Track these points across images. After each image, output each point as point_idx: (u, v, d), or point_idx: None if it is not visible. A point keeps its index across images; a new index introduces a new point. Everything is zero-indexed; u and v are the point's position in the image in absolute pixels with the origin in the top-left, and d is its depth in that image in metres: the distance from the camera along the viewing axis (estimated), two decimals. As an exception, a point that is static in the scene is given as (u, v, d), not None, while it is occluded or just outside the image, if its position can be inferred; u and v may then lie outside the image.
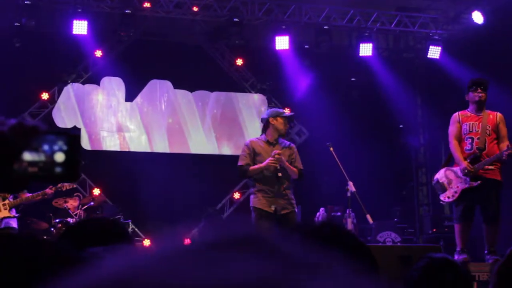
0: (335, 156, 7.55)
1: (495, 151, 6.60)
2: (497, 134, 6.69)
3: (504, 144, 6.61)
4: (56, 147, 1.06)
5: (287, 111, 7.05)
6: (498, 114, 6.79)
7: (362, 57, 12.12)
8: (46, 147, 1.05)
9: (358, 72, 12.65)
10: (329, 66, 12.58)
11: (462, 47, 11.84)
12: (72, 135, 1.08)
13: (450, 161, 6.90)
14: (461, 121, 6.75)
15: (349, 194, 7.54)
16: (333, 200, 10.82)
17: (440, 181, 6.77)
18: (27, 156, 1.05)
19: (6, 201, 8.41)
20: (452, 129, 6.77)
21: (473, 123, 6.72)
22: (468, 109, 6.83)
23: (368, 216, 7.45)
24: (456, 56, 11.72)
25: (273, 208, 6.60)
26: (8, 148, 1.00)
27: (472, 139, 6.70)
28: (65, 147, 1.06)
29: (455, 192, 6.65)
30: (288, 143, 7.06)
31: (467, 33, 11.70)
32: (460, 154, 6.68)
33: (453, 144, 6.72)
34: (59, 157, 1.06)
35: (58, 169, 1.06)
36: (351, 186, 7.44)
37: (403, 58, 13.41)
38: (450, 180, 6.71)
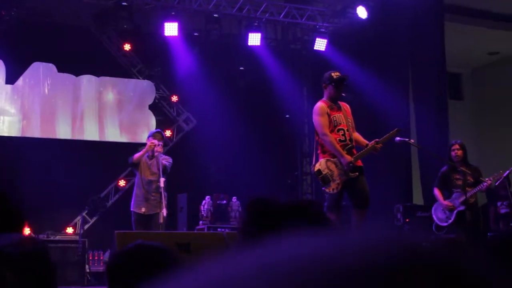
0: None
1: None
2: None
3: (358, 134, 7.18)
4: None
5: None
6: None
7: (251, 46, 12.23)
8: None
9: (246, 62, 12.76)
10: (218, 54, 12.62)
11: (347, 40, 12.21)
12: None
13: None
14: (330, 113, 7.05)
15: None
16: (219, 188, 10.89)
17: (323, 173, 6.94)
18: None
19: None
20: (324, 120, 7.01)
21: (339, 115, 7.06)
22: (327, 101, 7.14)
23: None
24: (341, 49, 12.07)
25: None
26: None
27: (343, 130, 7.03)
28: None
29: (338, 184, 6.87)
30: None
31: (352, 27, 12.08)
32: (339, 146, 6.93)
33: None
34: None
35: None
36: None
37: (291, 49, 13.66)
38: (332, 171, 6.91)
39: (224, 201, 10.33)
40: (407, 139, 8.01)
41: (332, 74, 7.11)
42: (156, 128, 11.92)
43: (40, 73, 11.72)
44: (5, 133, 11.31)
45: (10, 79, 11.50)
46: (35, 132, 11.57)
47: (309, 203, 1.67)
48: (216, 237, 6.76)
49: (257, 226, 1.57)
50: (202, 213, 10.18)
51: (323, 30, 12.39)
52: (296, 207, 1.59)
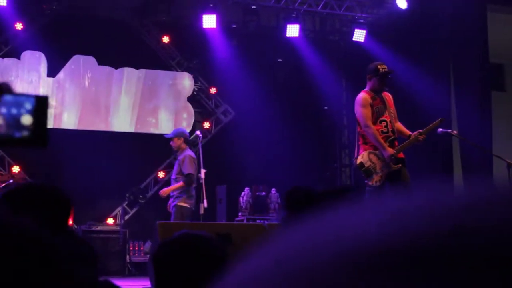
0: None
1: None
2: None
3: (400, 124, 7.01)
4: (22, 110, 0.99)
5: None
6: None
7: (289, 38, 12.18)
8: (5, 109, 0.98)
9: (284, 53, 12.72)
10: (256, 46, 12.60)
11: (386, 31, 12.08)
12: (41, 97, 1.01)
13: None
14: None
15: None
16: (257, 180, 10.89)
17: (366, 165, 6.86)
18: None
19: None
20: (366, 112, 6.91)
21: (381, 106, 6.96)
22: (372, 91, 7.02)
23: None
24: (380, 40, 11.94)
25: None
26: None
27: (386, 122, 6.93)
28: (32, 110, 0.99)
29: (381, 176, 6.80)
30: None
31: (391, 18, 11.94)
32: (381, 138, 6.84)
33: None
34: (26, 120, 0.99)
35: (23, 133, 0.99)
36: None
37: (329, 41, 13.56)
38: (375, 164, 6.83)
39: (263, 193, 10.33)
40: (449, 130, 7.88)
41: (379, 66, 6.98)
42: (195, 119, 12.01)
43: (81, 66, 11.86)
44: (48, 125, 11.46)
45: (52, 72, 11.66)
46: (76, 124, 11.73)
47: (349, 188, 1.65)
48: (257, 228, 6.75)
49: (297, 214, 1.56)
50: (241, 204, 10.19)
51: (361, 21, 12.27)
52: (336, 192, 1.56)
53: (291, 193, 1.53)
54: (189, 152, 8.50)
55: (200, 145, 8.88)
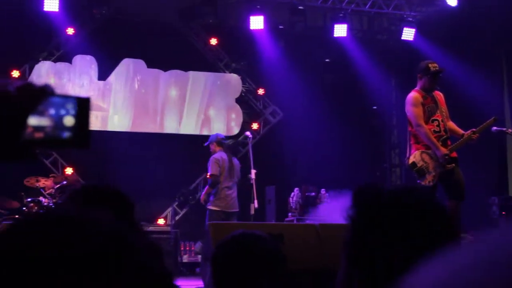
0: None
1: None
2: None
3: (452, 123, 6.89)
4: (65, 111, 1.00)
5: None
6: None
7: (337, 38, 12.11)
8: (53, 111, 0.99)
9: (332, 53, 12.66)
10: (303, 47, 12.57)
11: (436, 29, 11.89)
12: (83, 98, 1.02)
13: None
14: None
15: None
16: (306, 181, 10.86)
17: (419, 165, 6.77)
18: (33, 120, 0.98)
19: None
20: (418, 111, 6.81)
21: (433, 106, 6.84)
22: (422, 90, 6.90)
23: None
24: (430, 38, 11.77)
25: None
26: (15, 111, 0.93)
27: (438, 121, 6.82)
28: (74, 112, 1.00)
29: (434, 176, 6.70)
30: None
31: (441, 15, 11.76)
32: (434, 138, 6.74)
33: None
34: (69, 121, 1.00)
35: (67, 134, 1.00)
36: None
37: (377, 40, 13.44)
38: (427, 163, 6.74)
39: (313, 193, 10.29)
40: (504, 129, 7.70)
41: (430, 65, 6.87)
42: (243, 120, 12.04)
43: (130, 69, 12.02)
44: (98, 127, 11.65)
45: (102, 76, 11.85)
46: (127, 126, 11.90)
47: (418, 188, 1.61)
48: (308, 228, 6.71)
49: (367, 216, 1.52)
50: (291, 205, 10.17)
51: (410, 19, 12.12)
52: (406, 192, 1.52)
53: (359, 191, 1.50)
54: (215, 155, 8.58)
55: (250, 145, 8.91)
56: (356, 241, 1.40)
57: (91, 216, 0.79)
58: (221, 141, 8.78)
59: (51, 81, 11.43)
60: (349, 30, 12.21)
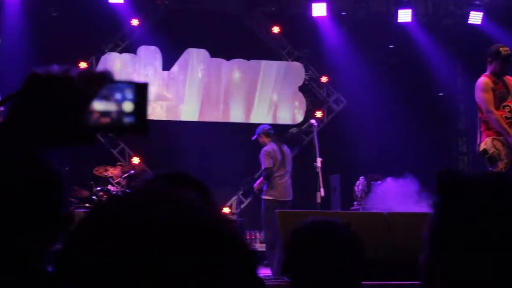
0: None
1: None
2: None
3: None
4: (124, 96, 1.01)
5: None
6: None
7: (401, 23, 11.90)
8: (116, 96, 1.00)
9: (396, 39, 12.44)
10: (366, 33, 12.38)
11: (505, 12, 11.54)
12: (141, 84, 1.03)
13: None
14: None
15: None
16: (371, 169, 10.73)
17: (490, 152, 6.59)
18: (99, 105, 1.00)
19: None
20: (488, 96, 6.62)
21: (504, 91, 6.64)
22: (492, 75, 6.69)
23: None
24: (498, 21, 11.43)
25: None
26: (78, 97, 0.96)
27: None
28: (133, 97, 1.01)
29: (506, 163, 6.52)
30: None
31: (510, -2, 11.41)
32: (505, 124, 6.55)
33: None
34: (128, 106, 1.01)
35: (127, 120, 1.01)
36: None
37: (443, 25, 13.10)
38: (499, 150, 6.56)
39: (379, 182, 10.15)
40: None
41: (500, 49, 6.67)
42: (307, 109, 11.99)
43: (194, 58, 12.12)
44: (164, 117, 11.81)
45: (166, 66, 12.00)
46: (192, 116, 12.02)
47: (501, 174, 1.55)
48: (376, 217, 6.64)
49: (454, 201, 1.48)
50: (356, 193, 10.07)
51: (477, 2, 11.80)
52: (490, 178, 1.46)
53: (441, 176, 1.45)
54: (266, 147, 8.80)
55: (315, 133, 8.87)
56: (443, 228, 1.36)
57: (185, 195, 0.81)
58: (269, 132, 8.97)
59: (117, 70, 11.64)
60: (414, 15, 11.98)
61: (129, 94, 1.01)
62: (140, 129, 1.02)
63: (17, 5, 10.97)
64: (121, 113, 1.00)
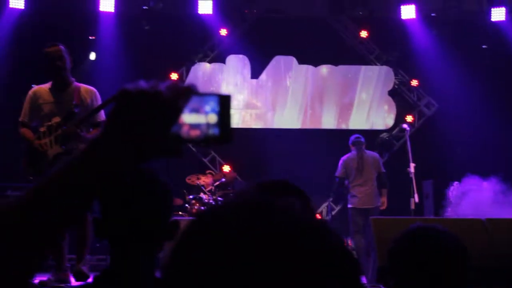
0: None
1: None
2: None
3: None
4: (209, 108, 1.04)
5: None
6: None
7: (494, 22, 11.51)
8: (203, 108, 1.04)
9: (490, 39, 12.03)
10: (458, 34, 12.04)
11: None
12: (225, 96, 1.06)
13: None
14: None
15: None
16: (465, 174, 10.40)
17: None
18: (188, 118, 1.03)
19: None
20: None
21: None
22: None
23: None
24: None
25: None
26: (168, 110, 0.99)
27: None
28: (217, 109, 1.04)
29: None
30: None
31: None
32: None
33: None
34: (213, 118, 1.04)
35: (213, 131, 1.04)
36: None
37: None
38: None
39: (473, 186, 9.83)
40: None
41: None
42: (397, 113, 11.79)
43: (281, 66, 12.17)
44: (253, 125, 11.92)
45: (255, 74, 12.10)
46: (280, 123, 12.06)
47: None
48: (474, 223, 6.43)
49: None
50: (450, 199, 9.80)
51: None
52: None
53: None
54: (344, 156, 9.01)
55: (407, 138, 8.70)
56: None
57: (288, 203, 0.83)
58: (353, 141, 9.01)
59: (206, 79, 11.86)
60: (508, 13, 11.56)
61: (214, 106, 1.05)
62: (224, 140, 1.06)
63: (111, 20, 11.38)
64: (208, 125, 1.04)
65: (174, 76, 11.74)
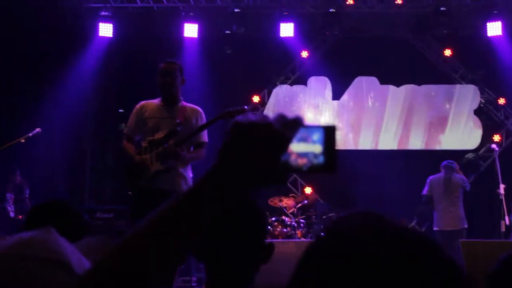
0: None
1: None
2: None
3: None
4: (316, 138, 1.08)
5: None
6: None
7: None
8: (310, 138, 1.08)
9: None
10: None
11: None
12: (330, 127, 1.10)
13: None
14: None
15: None
16: None
17: None
18: (297, 147, 1.08)
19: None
20: None
21: None
22: None
23: None
24: None
25: None
26: (278, 140, 1.04)
27: None
28: (323, 139, 1.08)
29: None
30: None
31: None
32: None
33: None
34: (318, 148, 1.08)
35: (318, 160, 1.08)
36: None
37: None
38: None
39: None
40: None
41: None
42: (483, 132, 11.49)
43: (363, 86, 12.10)
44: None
45: (336, 95, 12.08)
46: (365, 144, 11.96)
47: None
48: None
49: None
50: (543, 222, 9.42)
51: None
52: None
53: None
54: (431, 176, 9.01)
55: (496, 158, 8.46)
56: None
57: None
58: (445, 164, 8.97)
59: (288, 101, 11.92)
60: None
61: (319, 136, 1.09)
62: (329, 169, 1.10)
63: (195, 45, 11.67)
64: (314, 154, 1.08)
65: (256, 98, 11.88)
